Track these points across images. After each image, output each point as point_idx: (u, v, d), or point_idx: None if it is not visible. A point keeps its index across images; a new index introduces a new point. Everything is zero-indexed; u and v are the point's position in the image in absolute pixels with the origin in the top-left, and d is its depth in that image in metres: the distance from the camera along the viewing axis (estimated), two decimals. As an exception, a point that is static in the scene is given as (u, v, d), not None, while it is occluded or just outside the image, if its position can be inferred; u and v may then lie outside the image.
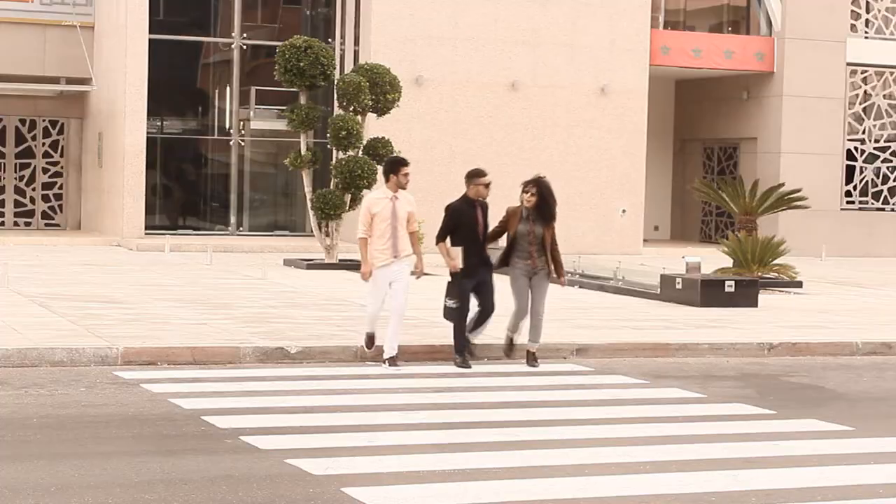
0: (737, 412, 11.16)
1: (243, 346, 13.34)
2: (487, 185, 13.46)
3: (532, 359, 13.57)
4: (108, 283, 19.96)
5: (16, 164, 33.19)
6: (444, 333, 14.73)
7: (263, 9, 33.11)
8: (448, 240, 13.34)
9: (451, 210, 13.45)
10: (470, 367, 13.21)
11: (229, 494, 7.72)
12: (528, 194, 13.43)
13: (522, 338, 13.67)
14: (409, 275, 13.15)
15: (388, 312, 13.07)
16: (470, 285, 13.28)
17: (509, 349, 13.86)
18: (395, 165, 13.23)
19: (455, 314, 13.27)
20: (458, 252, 13.30)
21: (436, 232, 13.39)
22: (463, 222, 13.29)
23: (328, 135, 24.68)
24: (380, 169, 24.65)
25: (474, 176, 13.51)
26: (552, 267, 13.41)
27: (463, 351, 13.39)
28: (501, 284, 13.70)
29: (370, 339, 13.36)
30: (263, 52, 31.74)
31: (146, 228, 29.69)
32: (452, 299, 13.24)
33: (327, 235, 24.68)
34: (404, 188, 13.15)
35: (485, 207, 13.50)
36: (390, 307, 13.04)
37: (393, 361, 13.07)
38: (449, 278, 13.37)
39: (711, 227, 35.49)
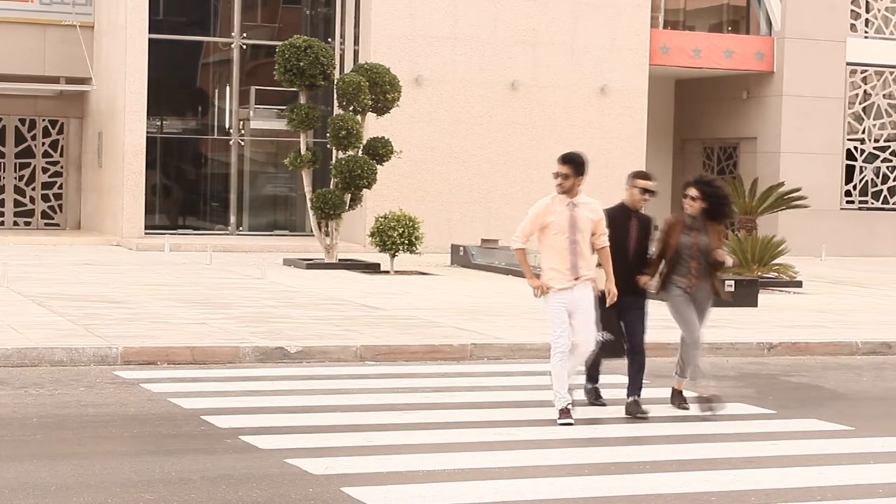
0: (736, 412, 11.15)
1: (243, 346, 13.34)
2: (644, 192, 11.08)
3: (681, 399, 11.25)
4: (107, 282, 19.95)
5: (16, 164, 33.19)
6: (443, 333, 14.75)
7: (263, 8, 33.12)
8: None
9: None
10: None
11: (229, 494, 7.73)
12: (689, 198, 11.11)
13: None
14: (594, 301, 10.52)
15: (573, 347, 10.46)
16: (613, 314, 10.85)
17: (677, 397, 11.30)
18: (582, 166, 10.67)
19: (605, 349, 10.88)
20: (601, 274, 10.74)
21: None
22: (610, 234, 10.85)
23: (328, 135, 24.67)
24: (380, 169, 24.88)
25: (633, 177, 11.19)
26: (716, 285, 11.11)
27: (594, 381, 11.32)
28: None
29: (567, 412, 10.28)
30: (263, 51, 31.74)
31: (146, 228, 29.68)
32: (600, 331, 10.70)
33: (327, 235, 24.66)
34: (567, 193, 10.60)
35: (644, 221, 11.14)
36: (574, 343, 10.39)
37: (566, 413, 10.27)
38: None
39: (711, 226, 35.43)
